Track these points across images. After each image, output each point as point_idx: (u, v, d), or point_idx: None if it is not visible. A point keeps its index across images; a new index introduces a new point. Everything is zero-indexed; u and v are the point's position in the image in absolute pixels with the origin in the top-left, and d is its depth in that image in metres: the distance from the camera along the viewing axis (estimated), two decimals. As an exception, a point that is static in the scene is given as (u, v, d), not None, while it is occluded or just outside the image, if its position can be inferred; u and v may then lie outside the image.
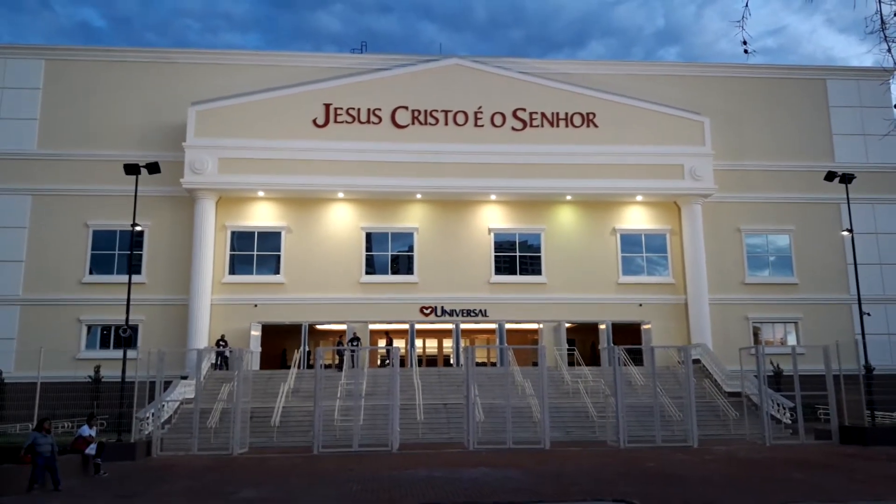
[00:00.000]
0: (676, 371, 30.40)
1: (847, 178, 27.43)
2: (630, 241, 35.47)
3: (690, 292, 34.46)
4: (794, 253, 35.97)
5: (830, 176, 27.83)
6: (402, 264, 34.83)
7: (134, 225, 25.47)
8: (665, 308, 34.75)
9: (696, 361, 30.67)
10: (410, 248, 34.78)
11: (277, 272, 33.90)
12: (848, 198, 28.25)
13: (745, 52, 6.75)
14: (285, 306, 33.38)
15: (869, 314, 28.45)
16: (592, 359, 34.31)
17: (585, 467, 17.81)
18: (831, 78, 38.08)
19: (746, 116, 36.81)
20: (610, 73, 36.88)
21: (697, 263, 34.46)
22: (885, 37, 5.98)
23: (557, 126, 34.36)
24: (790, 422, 25.99)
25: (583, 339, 35.69)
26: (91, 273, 33.22)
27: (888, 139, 37.10)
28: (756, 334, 35.09)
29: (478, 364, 29.88)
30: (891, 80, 37.01)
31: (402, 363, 31.23)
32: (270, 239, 34.22)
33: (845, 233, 29.57)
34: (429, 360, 37.37)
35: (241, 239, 34.17)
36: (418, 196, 34.29)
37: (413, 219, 34.84)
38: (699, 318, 33.95)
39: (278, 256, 34.05)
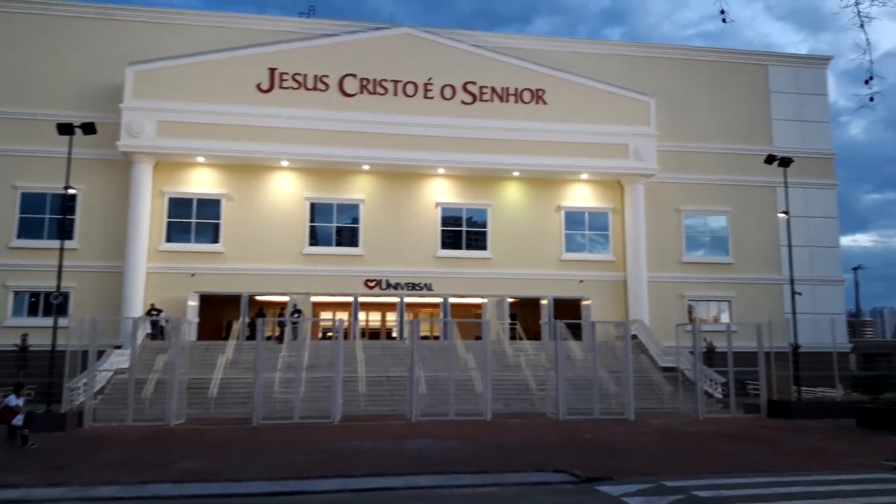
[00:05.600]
0: (614, 346, 31.08)
1: (786, 162, 28.26)
2: (574, 219, 35.90)
3: (630, 270, 35.17)
4: (731, 234, 37.06)
5: (770, 159, 28.61)
6: (347, 236, 34.41)
7: (66, 188, 24.33)
8: (605, 285, 35.40)
9: (634, 337, 31.33)
10: (356, 220, 34.36)
11: (217, 241, 33.06)
12: (786, 181, 29.13)
13: (724, 21, 6.76)
14: (224, 276, 32.63)
15: (801, 294, 29.57)
16: (536, 333, 34.78)
17: (527, 439, 18.08)
18: (773, 64, 39.06)
19: (689, 99, 37.46)
20: (559, 49, 36.94)
21: (637, 242, 35.16)
22: (859, 12, 6.10)
23: (507, 101, 34.30)
24: (721, 396, 26.91)
25: (525, 314, 36.10)
26: (19, 237, 31.71)
27: (822, 126, 38.76)
28: (690, 311, 36.11)
29: (422, 337, 29.92)
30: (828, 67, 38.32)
31: (345, 336, 31.01)
32: (210, 206, 33.29)
33: (782, 215, 30.56)
34: (372, 334, 37.24)
35: (180, 206, 33.12)
36: (365, 167, 33.84)
37: (359, 190, 34.40)
38: (637, 295, 34.74)
39: (218, 225, 33.18)
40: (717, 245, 37.17)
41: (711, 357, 30.70)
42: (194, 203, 33.16)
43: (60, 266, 23.36)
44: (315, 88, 33.00)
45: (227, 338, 31.21)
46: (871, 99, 6.56)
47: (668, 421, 23.02)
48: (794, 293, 28.03)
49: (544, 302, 34.88)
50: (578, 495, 11.20)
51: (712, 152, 37.13)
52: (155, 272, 31.95)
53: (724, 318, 35.82)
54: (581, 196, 36.00)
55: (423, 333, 32.55)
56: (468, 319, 35.12)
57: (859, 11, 6.03)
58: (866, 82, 6.49)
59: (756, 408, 25.28)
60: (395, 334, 35.56)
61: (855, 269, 75.80)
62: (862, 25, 6.12)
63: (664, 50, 38.73)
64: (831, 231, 37.96)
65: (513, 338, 33.02)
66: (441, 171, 34.39)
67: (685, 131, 37.01)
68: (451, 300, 34.25)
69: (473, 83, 34.12)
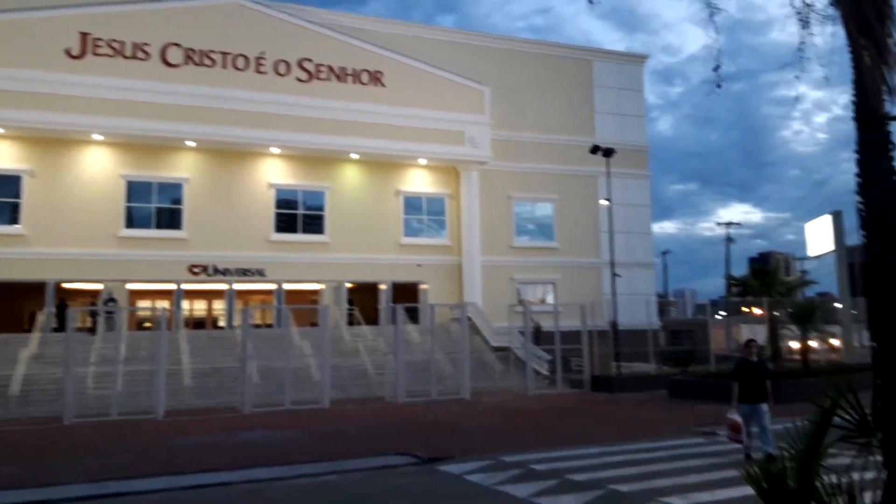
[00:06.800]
0: (450, 328, 31.64)
1: (608, 153, 30.10)
2: (412, 204, 36.00)
3: (465, 254, 35.92)
4: (556, 220, 38.99)
5: (595, 149, 30.34)
6: (170, 218, 32.08)
7: None
8: (441, 269, 35.89)
9: (468, 319, 32.11)
10: (178, 201, 32.11)
11: (17, 222, 29.52)
12: (609, 171, 31.01)
13: (590, 1, 6.90)
14: (27, 261, 29.18)
15: (620, 276, 31.73)
16: (374, 318, 34.58)
17: (367, 424, 17.86)
18: (597, 59, 41.47)
19: (520, 89, 38.77)
20: (397, 32, 36.73)
21: (472, 227, 35.96)
22: (710, 2, 6.48)
23: (345, 81, 33.54)
24: (549, 373, 28.27)
25: (362, 299, 35.77)
26: None
27: (638, 120, 41.84)
28: (519, 294, 37.61)
29: (254, 326, 28.65)
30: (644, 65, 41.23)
31: (168, 326, 29.00)
32: (9, 183, 29.60)
33: (604, 202, 32.56)
34: (197, 323, 35.20)
35: (-29, 182, 29.21)
36: (190, 143, 31.65)
37: (183, 168, 32.15)
38: (471, 279, 35.58)
39: (18, 204, 29.63)
40: (544, 231, 38.99)
41: (539, 336, 32.14)
42: (-11, 179, 29.39)
43: None
44: (134, 57, 30.30)
45: (30, 330, 28.05)
46: (719, 86, 7.06)
47: (502, 399, 23.81)
48: (613, 275, 30.02)
49: (383, 287, 34.73)
50: (421, 476, 11.19)
51: (541, 142, 38.74)
52: (-60, 257, 27.97)
53: (550, 299, 37.66)
54: (419, 181, 36.19)
55: (255, 322, 31.28)
56: (304, 306, 34.17)
57: (710, 2, 6.47)
58: (715, 70, 7.00)
59: (580, 383, 26.82)
60: (222, 323, 33.81)
61: (664, 253, 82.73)
62: (712, 16, 6.55)
63: (497, 41, 39.80)
64: (645, 218, 41.13)
65: (351, 323, 32.56)
66: (275, 150, 33.01)
67: (516, 121, 38.30)
68: (286, 286, 33.12)
69: (309, 60, 33.00)
